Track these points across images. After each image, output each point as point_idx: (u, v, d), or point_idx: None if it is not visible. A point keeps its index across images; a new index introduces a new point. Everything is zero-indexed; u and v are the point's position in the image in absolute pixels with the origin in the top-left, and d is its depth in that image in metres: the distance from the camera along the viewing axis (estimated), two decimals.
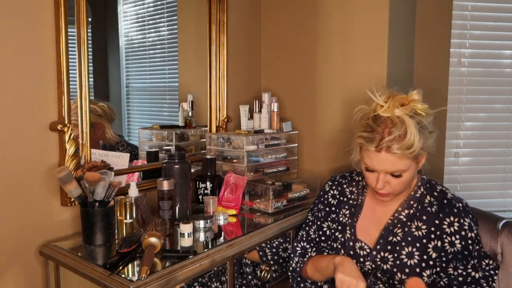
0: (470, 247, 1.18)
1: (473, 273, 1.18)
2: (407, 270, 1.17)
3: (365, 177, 1.23)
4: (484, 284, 1.19)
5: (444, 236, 1.18)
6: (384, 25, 1.62)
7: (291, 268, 1.39)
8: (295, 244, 1.41)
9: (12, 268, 1.24)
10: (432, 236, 1.19)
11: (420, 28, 1.84)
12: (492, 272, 1.21)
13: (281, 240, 1.51)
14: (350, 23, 1.72)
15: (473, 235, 1.18)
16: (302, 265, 1.34)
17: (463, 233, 1.17)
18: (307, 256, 1.36)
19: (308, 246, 1.38)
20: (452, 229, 1.18)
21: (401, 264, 1.18)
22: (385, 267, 1.20)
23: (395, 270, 1.18)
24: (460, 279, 1.18)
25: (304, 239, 1.40)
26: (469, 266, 1.19)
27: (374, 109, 1.18)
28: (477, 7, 1.88)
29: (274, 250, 1.48)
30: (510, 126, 1.96)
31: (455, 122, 1.94)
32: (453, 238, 1.17)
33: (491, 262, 1.22)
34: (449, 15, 1.86)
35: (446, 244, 1.18)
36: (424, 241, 1.18)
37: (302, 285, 1.36)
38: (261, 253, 1.43)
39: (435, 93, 1.85)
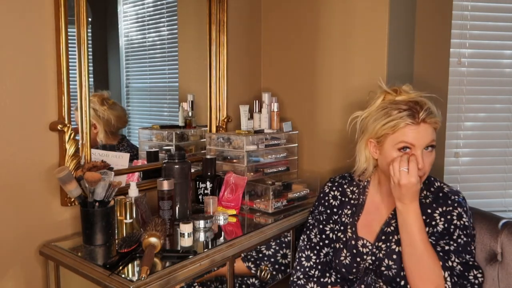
0: (452, 230, 1.17)
1: (446, 247, 1.15)
2: (394, 256, 1.18)
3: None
4: (453, 257, 1.13)
5: (433, 222, 1.19)
6: (384, 25, 1.62)
7: (291, 279, 1.38)
8: (300, 254, 1.38)
9: (12, 268, 1.24)
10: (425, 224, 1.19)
11: (420, 28, 1.84)
12: (475, 264, 1.15)
13: (277, 248, 1.50)
14: (350, 23, 1.72)
15: (459, 223, 1.17)
16: (301, 283, 1.34)
17: (448, 217, 1.18)
18: (310, 282, 1.33)
19: (312, 255, 1.36)
20: (440, 215, 1.19)
21: (390, 251, 1.19)
22: (378, 255, 1.21)
23: (383, 256, 1.19)
24: None
25: (308, 246, 1.37)
26: (442, 242, 1.15)
27: (383, 97, 1.25)
28: (477, 7, 1.88)
29: (272, 259, 1.47)
30: (510, 126, 1.96)
31: (455, 122, 1.94)
32: (438, 221, 1.18)
33: (477, 272, 1.15)
34: (449, 15, 1.85)
35: (431, 228, 1.18)
36: None
37: None
38: (248, 264, 1.42)
39: (435, 93, 1.84)
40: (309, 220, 1.42)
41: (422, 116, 1.15)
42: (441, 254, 1.13)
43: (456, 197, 1.21)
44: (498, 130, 1.96)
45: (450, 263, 1.11)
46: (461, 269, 1.12)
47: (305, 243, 1.39)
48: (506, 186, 1.98)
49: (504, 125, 1.96)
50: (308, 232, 1.40)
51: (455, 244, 1.15)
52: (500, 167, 1.98)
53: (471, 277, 1.13)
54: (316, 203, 1.43)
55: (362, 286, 1.23)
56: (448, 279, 1.08)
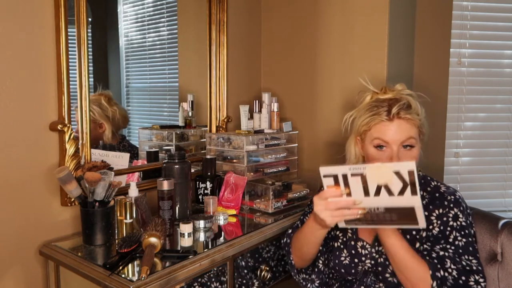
0: (447, 233, 1.14)
1: (441, 253, 1.12)
2: None
3: (375, 160, 1.20)
4: (448, 264, 1.09)
5: (430, 226, 1.17)
6: (384, 26, 1.62)
7: (282, 244, 1.36)
8: (286, 233, 1.37)
9: (12, 268, 1.24)
10: (421, 229, 1.19)
11: (420, 28, 1.84)
12: (473, 268, 1.11)
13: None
14: (350, 23, 1.72)
15: (455, 224, 1.15)
16: (292, 235, 1.32)
17: (444, 218, 1.16)
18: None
19: (298, 226, 1.35)
20: (437, 218, 1.18)
21: None
22: (379, 260, 1.20)
23: (387, 263, 1.18)
24: (425, 253, 1.13)
25: (294, 226, 1.37)
26: (437, 247, 1.13)
27: (371, 96, 1.27)
28: (477, 7, 1.88)
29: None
30: (510, 126, 1.96)
31: (455, 122, 1.94)
32: (435, 224, 1.17)
33: (478, 277, 1.11)
34: (449, 15, 1.86)
35: (427, 232, 1.17)
36: (414, 232, 1.19)
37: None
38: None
39: (435, 93, 1.85)
40: (305, 209, 1.40)
41: (394, 112, 1.15)
42: (435, 261, 1.11)
43: (453, 197, 1.19)
44: (498, 130, 1.96)
45: (442, 272, 1.09)
46: (456, 277, 1.09)
47: (296, 224, 1.37)
48: (506, 186, 1.98)
49: (504, 125, 1.96)
50: (301, 217, 1.38)
51: (452, 247, 1.13)
52: (500, 167, 1.98)
53: (471, 283, 1.10)
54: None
55: (362, 287, 1.23)
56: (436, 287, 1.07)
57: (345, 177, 0.99)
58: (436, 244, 1.14)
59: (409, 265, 1.08)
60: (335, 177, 1.00)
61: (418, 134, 1.20)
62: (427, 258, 1.11)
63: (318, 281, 1.31)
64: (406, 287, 1.11)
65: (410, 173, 0.94)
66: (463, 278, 1.10)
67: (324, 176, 1.01)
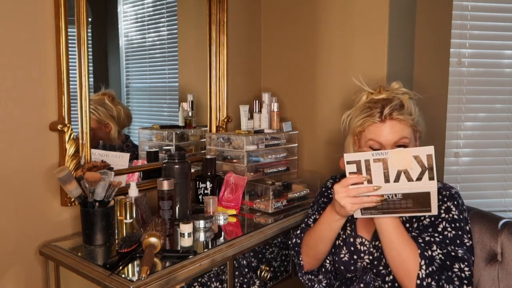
0: (437, 223, 1.15)
1: (427, 238, 1.12)
2: None
3: None
4: (434, 248, 1.10)
5: (422, 217, 1.18)
6: (384, 26, 1.62)
7: (291, 245, 1.36)
8: (293, 234, 1.39)
9: (12, 268, 1.24)
10: (414, 219, 1.20)
11: (420, 28, 1.84)
12: (459, 255, 1.10)
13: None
14: (350, 23, 1.72)
15: (447, 216, 1.15)
16: (302, 235, 1.33)
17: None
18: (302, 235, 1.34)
19: (305, 227, 1.36)
20: None
21: None
22: (375, 254, 1.20)
23: (382, 256, 1.18)
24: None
25: (302, 227, 1.38)
26: (425, 234, 1.14)
27: (367, 96, 1.29)
28: (477, 7, 1.88)
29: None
30: (510, 126, 1.96)
31: (455, 122, 1.94)
32: (426, 216, 1.17)
33: (464, 266, 1.11)
34: (449, 15, 1.86)
35: (418, 222, 1.17)
36: (407, 225, 1.20)
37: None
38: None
39: (435, 93, 1.85)
40: (309, 211, 1.41)
41: (385, 113, 1.17)
42: (422, 244, 1.11)
43: (448, 192, 1.20)
44: (498, 130, 1.96)
45: (430, 252, 1.10)
46: (443, 258, 1.10)
47: (302, 226, 1.38)
48: (506, 186, 1.98)
49: (504, 125, 1.96)
50: (306, 219, 1.39)
51: (440, 237, 1.13)
52: (500, 167, 1.98)
53: (455, 269, 1.10)
54: (318, 197, 1.42)
55: (361, 285, 1.23)
56: (424, 267, 1.06)
57: (367, 162, 1.03)
58: (424, 232, 1.16)
59: (399, 244, 1.09)
60: (358, 164, 1.04)
61: (413, 133, 1.21)
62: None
63: (325, 281, 1.31)
64: (396, 270, 1.11)
65: (429, 157, 1.00)
66: (448, 263, 1.10)
67: (348, 163, 1.05)
